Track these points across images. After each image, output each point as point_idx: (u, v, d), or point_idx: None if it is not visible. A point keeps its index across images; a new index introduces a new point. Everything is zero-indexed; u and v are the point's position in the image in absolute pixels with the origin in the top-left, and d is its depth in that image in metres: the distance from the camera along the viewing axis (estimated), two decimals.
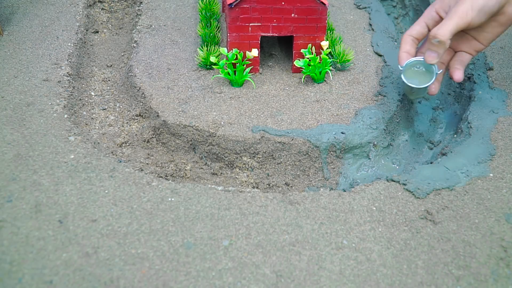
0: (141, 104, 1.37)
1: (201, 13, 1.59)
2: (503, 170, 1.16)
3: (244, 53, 1.38)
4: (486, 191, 1.10)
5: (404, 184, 1.11)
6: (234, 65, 1.38)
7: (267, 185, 1.27)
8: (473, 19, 1.14)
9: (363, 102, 1.37)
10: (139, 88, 1.39)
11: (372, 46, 1.59)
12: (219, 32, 1.54)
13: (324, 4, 1.34)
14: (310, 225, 1.02)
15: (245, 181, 1.28)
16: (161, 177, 1.21)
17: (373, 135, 1.31)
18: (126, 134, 1.36)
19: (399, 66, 1.27)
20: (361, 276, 0.93)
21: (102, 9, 1.85)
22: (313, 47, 1.39)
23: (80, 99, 1.42)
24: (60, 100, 1.32)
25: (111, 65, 1.62)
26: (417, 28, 1.26)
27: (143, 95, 1.37)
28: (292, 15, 1.35)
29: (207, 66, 1.44)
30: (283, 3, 1.32)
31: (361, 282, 0.92)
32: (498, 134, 1.26)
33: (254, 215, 1.03)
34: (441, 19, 1.23)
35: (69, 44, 1.54)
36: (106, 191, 1.07)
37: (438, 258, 0.96)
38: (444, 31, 1.14)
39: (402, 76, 1.27)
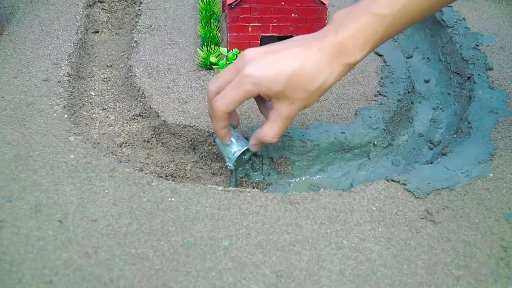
0: (141, 104, 1.37)
1: (201, 13, 1.59)
2: (503, 170, 1.16)
3: None
4: (486, 191, 1.10)
5: (404, 184, 1.11)
6: None
7: (267, 185, 1.27)
8: (295, 114, 1.03)
9: (363, 102, 1.37)
10: (139, 88, 1.39)
11: None
12: (219, 32, 1.54)
13: (324, 4, 1.34)
14: (310, 225, 1.02)
15: (245, 181, 1.28)
16: (161, 177, 1.21)
17: (373, 135, 1.31)
18: (126, 134, 1.36)
19: (225, 152, 1.14)
20: (361, 276, 0.92)
21: (102, 9, 1.85)
22: None
23: (80, 99, 1.42)
24: (60, 100, 1.32)
25: (111, 65, 1.62)
26: (235, 106, 1.04)
27: (143, 95, 1.37)
28: (292, 15, 1.35)
29: (207, 66, 1.44)
30: (283, 3, 1.33)
31: (361, 282, 0.92)
32: (498, 134, 1.26)
33: (254, 215, 1.03)
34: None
35: (69, 44, 1.54)
36: (106, 191, 1.07)
37: (438, 258, 0.96)
38: (278, 137, 1.06)
39: (230, 167, 1.15)
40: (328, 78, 0.99)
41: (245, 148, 1.14)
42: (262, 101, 1.13)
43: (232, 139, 1.13)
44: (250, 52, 1.01)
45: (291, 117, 1.03)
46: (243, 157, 1.17)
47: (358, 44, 0.98)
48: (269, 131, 1.04)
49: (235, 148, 1.13)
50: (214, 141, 1.17)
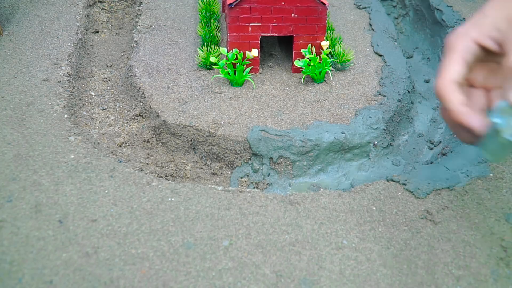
0: (141, 104, 1.37)
1: (201, 13, 1.59)
2: (503, 170, 1.16)
3: (244, 53, 1.38)
4: (486, 191, 1.10)
5: (404, 184, 1.11)
6: (234, 65, 1.38)
7: (267, 185, 1.28)
8: None
9: (363, 102, 1.37)
10: (139, 88, 1.39)
11: (372, 46, 1.59)
12: (219, 32, 1.54)
13: (324, 4, 1.34)
14: (310, 225, 1.02)
15: (245, 181, 1.28)
16: (161, 177, 1.21)
17: (373, 135, 1.31)
18: (126, 134, 1.36)
19: (491, 124, 0.80)
20: (361, 276, 0.92)
21: (102, 9, 1.85)
22: (313, 47, 1.39)
23: (80, 99, 1.42)
24: (60, 100, 1.32)
25: (111, 65, 1.62)
26: (457, 68, 0.85)
27: (143, 95, 1.37)
28: (292, 15, 1.35)
29: (207, 66, 1.44)
30: (283, 3, 1.32)
31: (361, 282, 0.92)
32: None
33: (254, 215, 1.03)
34: (483, 49, 0.88)
35: (69, 44, 1.54)
36: (106, 191, 1.07)
37: (438, 258, 0.96)
38: None
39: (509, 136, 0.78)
40: None
41: (504, 103, 0.77)
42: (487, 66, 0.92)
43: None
44: None
45: None
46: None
47: None
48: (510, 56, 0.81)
49: (496, 116, 0.78)
50: (482, 150, 0.81)
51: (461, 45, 0.87)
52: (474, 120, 0.83)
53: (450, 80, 0.86)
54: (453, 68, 0.86)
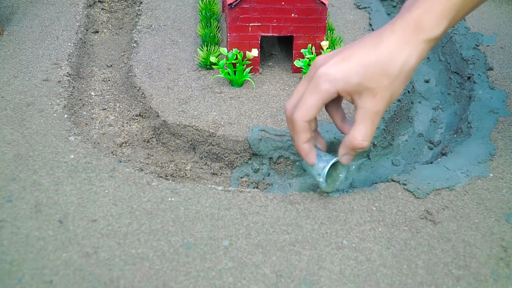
0: (141, 104, 1.38)
1: (201, 13, 1.59)
2: (503, 170, 1.16)
3: (244, 53, 1.38)
4: (486, 191, 1.10)
5: (404, 184, 1.11)
6: (234, 65, 1.38)
7: (267, 185, 1.28)
8: (383, 109, 0.96)
9: None
10: (139, 88, 1.39)
11: None
12: (219, 32, 1.54)
13: (324, 4, 1.34)
14: (310, 225, 1.02)
15: (245, 181, 1.28)
16: (161, 177, 1.21)
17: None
18: (126, 134, 1.36)
19: (314, 171, 1.05)
20: (361, 276, 0.92)
21: (102, 9, 1.85)
22: (313, 47, 1.39)
23: (80, 99, 1.42)
24: (60, 100, 1.32)
25: (111, 65, 1.62)
26: (314, 112, 0.97)
27: (143, 95, 1.37)
28: (292, 15, 1.35)
29: (207, 66, 1.44)
30: (283, 3, 1.32)
31: (361, 282, 0.92)
32: (498, 134, 1.26)
33: (254, 215, 1.03)
34: (341, 98, 1.02)
35: (69, 44, 1.54)
36: (106, 191, 1.07)
37: (438, 258, 0.96)
38: (369, 140, 0.96)
39: (323, 185, 1.05)
40: (409, 58, 0.90)
41: (335, 160, 1.02)
42: (336, 110, 1.06)
43: (318, 156, 1.04)
44: (320, 58, 0.97)
45: (379, 112, 0.93)
46: (340, 176, 1.07)
47: (435, 18, 0.90)
48: (358, 133, 0.95)
49: (324, 163, 1.02)
50: (302, 166, 1.04)
51: (325, 89, 0.94)
52: (310, 158, 1.03)
53: (304, 120, 0.98)
54: (311, 111, 0.96)
